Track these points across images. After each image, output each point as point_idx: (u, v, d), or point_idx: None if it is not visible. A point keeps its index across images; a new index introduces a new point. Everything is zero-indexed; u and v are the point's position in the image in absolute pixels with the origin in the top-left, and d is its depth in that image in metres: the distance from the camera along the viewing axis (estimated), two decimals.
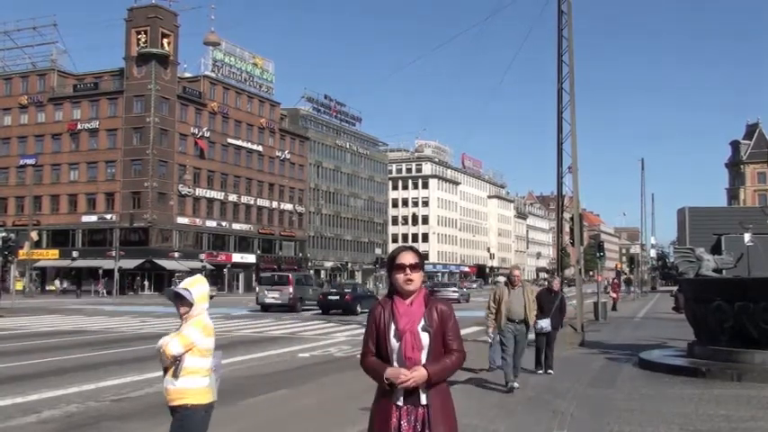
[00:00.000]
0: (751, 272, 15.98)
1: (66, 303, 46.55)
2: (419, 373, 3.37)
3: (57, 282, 65.56)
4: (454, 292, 50.28)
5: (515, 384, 10.20)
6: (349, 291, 33.74)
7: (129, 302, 47.77)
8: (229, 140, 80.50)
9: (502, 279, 12.10)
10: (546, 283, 13.56)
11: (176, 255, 71.03)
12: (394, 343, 3.46)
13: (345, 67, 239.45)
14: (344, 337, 20.97)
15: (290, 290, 31.64)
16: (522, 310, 10.23)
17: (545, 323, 11.52)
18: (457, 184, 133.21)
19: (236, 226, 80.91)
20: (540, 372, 11.82)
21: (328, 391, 10.76)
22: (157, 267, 67.84)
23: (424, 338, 3.45)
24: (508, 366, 10.11)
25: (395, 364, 3.44)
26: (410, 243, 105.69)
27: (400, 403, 3.43)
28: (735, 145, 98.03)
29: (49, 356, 15.47)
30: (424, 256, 3.67)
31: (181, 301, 4.60)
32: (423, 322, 3.47)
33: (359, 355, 3.67)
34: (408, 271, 3.52)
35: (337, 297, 32.26)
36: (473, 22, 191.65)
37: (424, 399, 3.42)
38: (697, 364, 11.89)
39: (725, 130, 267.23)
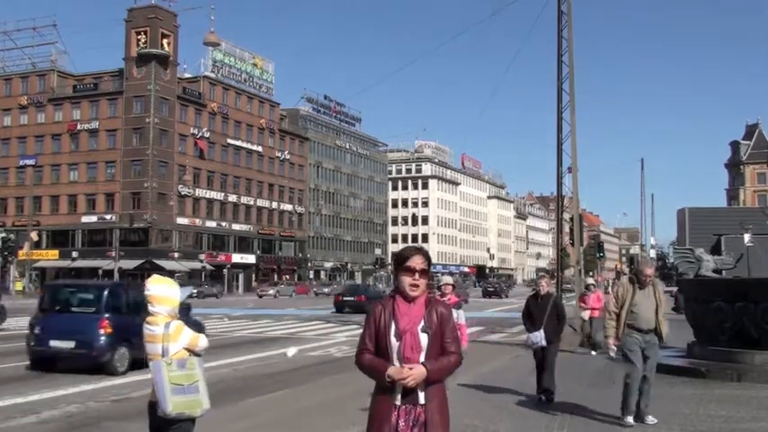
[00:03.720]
0: (751, 272, 16.00)
1: None
2: (418, 371, 3.38)
3: None
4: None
5: (650, 419, 7.82)
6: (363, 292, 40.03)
7: None
8: (229, 141, 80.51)
9: (625, 276, 9.44)
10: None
11: (176, 255, 71.03)
12: (394, 342, 3.48)
13: (345, 67, 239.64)
14: (344, 337, 20.98)
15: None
16: (652, 315, 7.89)
17: (536, 336, 9.38)
18: (457, 184, 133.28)
19: (235, 226, 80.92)
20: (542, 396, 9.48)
21: (328, 391, 10.75)
22: (157, 268, 67.81)
23: (423, 340, 3.47)
24: (631, 392, 7.76)
25: (396, 363, 3.46)
26: (410, 243, 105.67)
27: (398, 403, 3.45)
28: (734, 145, 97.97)
29: None
30: (431, 260, 3.68)
31: None
32: (422, 323, 3.49)
33: None
34: (417, 276, 3.52)
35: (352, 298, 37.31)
36: (473, 21, 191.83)
37: (421, 398, 3.45)
38: (697, 365, 11.89)
39: (725, 130, 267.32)
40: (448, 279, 9.62)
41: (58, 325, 13.00)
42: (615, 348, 8.01)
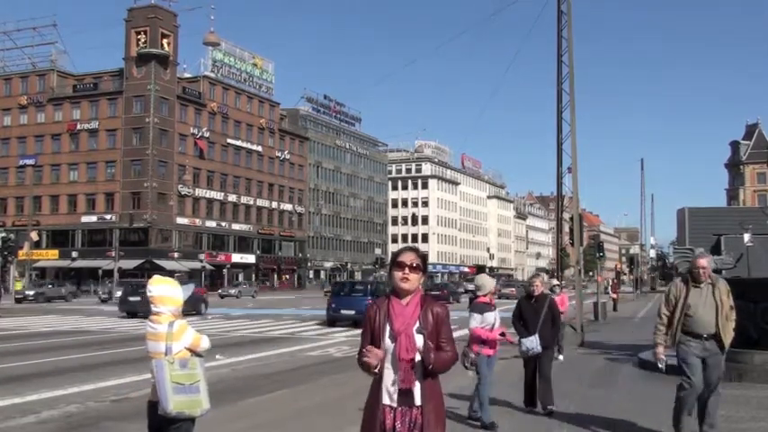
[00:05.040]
0: (751, 272, 15.96)
1: (66, 304, 46.53)
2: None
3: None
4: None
5: None
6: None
7: None
8: (229, 141, 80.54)
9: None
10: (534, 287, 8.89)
11: (176, 255, 71.08)
12: (388, 343, 3.47)
13: (345, 67, 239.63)
14: (344, 337, 20.98)
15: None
16: (712, 318, 6.58)
17: (531, 342, 8.44)
18: (456, 184, 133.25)
19: (235, 226, 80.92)
20: (538, 410, 8.54)
21: (328, 391, 10.75)
22: (157, 268, 67.79)
23: (419, 340, 3.46)
24: (684, 409, 6.73)
25: (388, 364, 3.45)
26: (410, 243, 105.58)
27: (395, 404, 3.44)
28: (734, 145, 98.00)
29: (48, 356, 15.48)
30: (426, 258, 3.66)
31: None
32: (418, 324, 3.48)
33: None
34: (407, 270, 3.53)
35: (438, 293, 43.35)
36: (473, 21, 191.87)
37: (418, 400, 3.43)
38: None
39: (725, 130, 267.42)
40: (490, 281, 8.15)
41: (345, 302, 25.24)
42: (664, 359, 6.84)
